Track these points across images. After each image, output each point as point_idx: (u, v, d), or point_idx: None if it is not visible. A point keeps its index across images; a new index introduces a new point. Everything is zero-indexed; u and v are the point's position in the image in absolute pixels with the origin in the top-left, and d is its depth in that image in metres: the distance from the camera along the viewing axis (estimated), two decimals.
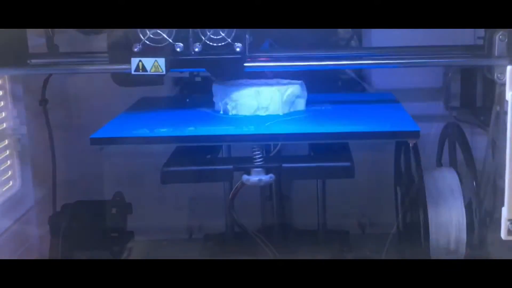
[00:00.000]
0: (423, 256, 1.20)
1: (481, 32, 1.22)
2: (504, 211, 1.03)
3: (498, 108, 1.09)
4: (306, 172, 1.18)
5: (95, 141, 1.10)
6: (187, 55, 1.14)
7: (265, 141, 1.15)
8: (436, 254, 1.19)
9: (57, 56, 1.31)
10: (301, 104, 1.25)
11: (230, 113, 1.22)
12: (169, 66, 1.13)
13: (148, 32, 1.13)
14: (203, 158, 1.20)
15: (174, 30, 1.13)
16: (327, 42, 1.47)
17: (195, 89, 1.53)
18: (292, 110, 1.23)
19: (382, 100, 1.34)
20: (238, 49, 1.14)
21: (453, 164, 1.32)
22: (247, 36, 1.15)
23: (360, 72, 1.53)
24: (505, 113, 1.03)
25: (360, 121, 1.16)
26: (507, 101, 1.02)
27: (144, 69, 1.13)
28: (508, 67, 1.02)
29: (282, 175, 1.16)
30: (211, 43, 1.14)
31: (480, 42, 1.21)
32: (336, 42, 1.50)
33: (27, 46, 1.27)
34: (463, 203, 1.20)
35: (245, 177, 1.14)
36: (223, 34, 1.13)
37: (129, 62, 1.13)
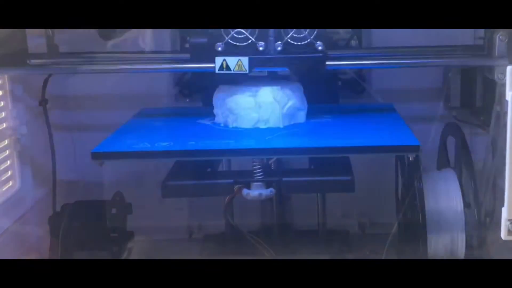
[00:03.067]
0: (423, 256, 1.20)
1: (480, 32, 1.22)
2: (504, 211, 1.03)
3: (498, 108, 1.09)
4: (306, 186, 1.19)
5: (96, 156, 1.10)
6: (269, 54, 1.16)
7: (265, 156, 1.15)
8: (435, 254, 1.19)
9: (57, 56, 1.30)
10: (301, 117, 1.25)
11: (230, 126, 1.22)
12: (252, 64, 1.14)
13: (231, 31, 1.15)
14: (204, 172, 1.20)
15: (256, 29, 1.14)
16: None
17: (194, 89, 1.53)
18: (292, 122, 1.23)
19: (382, 112, 1.33)
20: (320, 48, 1.15)
21: (452, 164, 1.32)
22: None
23: (360, 71, 1.52)
24: (505, 113, 1.03)
25: (359, 134, 1.16)
26: (507, 101, 1.03)
27: (228, 68, 1.14)
28: (508, 67, 1.02)
29: (282, 189, 1.16)
30: (292, 42, 1.16)
31: (481, 42, 1.21)
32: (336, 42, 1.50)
33: (26, 46, 1.27)
34: (462, 203, 1.20)
35: (245, 191, 1.15)
36: (305, 33, 1.15)
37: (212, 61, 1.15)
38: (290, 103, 1.21)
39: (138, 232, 1.46)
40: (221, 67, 1.14)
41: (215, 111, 1.25)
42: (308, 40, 1.15)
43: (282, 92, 1.21)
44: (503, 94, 1.06)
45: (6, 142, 1.34)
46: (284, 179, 1.15)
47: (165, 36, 1.31)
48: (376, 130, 1.20)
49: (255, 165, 1.15)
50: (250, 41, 1.15)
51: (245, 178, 1.16)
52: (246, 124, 1.21)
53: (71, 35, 1.28)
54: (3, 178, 1.32)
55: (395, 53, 1.26)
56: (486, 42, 1.16)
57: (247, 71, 1.14)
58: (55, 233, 1.35)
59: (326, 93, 1.46)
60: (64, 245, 1.33)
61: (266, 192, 1.15)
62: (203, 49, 1.18)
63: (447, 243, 1.20)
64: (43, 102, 1.37)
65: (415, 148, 1.08)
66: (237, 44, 1.16)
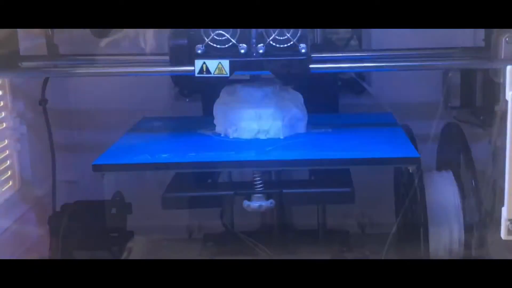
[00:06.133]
0: (423, 256, 1.20)
1: (482, 33, 1.22)
2: (504, 211, 1.03)
3: (497, 108, 1.09)
4: (307, 198, 1.19)
5: (97, 168, 1.09)
6: (251, 57, 1.11)
7: (266, 167, 1.15)
8: (436, 254, 1.19)
9: (50, 59, 1.28)
10: (301, 127, 1.24)
11: (231, 136, 1.21)
12: (233, 68, 1.10)
13: (211, 33, 1.10)
14: (204, 184, 1.20)
15: (238, 30, 1.10)
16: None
17: (194, 89, 1.53)
18: (292, 133, 1.22)
19: (382, 122, 1.33)
20: (303, 50, 1.10)
21: (452, 164, 1.32)
22: (309, 37, 1.11)
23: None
24: (505, 112, 1.03)
25: (359, 146, 1.16)
26: (506, 101, 1.03)
27: (208, 71, 1.10)
28: (508, 67, 1.02)
29: (282, 200, 1.16)
30: (275, 44, 1.11)
31: (483, 44, 1.20)
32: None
33: (18, 48, 1.24)
34: (462, 204, 1.20)
35: (245, 202, 1.15)
36: (288, 35, 1.10)
37: (191, 64, 1.11)
38: (290, 114, 1.21)
39: (138, 232, 1.46)
40: (201, 70, 1.10)
41: (215, 121, 1.25)
42: (291, 42, 1.10)
43: (282, 103, 1.21)
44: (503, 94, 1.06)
45: (6, 142, 1.34)
46: (284, 190, 1.15)
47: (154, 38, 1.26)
48: (376, 141, 1.19)
49: (255, 176, 1.15)
50: (231, 43, 1.11)
51: (245, 190, 1.15)
52: (246, 135, 1.20)
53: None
54: (3, 178, 1.32)
55: (395, 55, 1.25)
56: (492, 44, 1.14)
57: (228, 75, 1.10)
58: (55, 233, 1.35)
59: (326, 97, 1.46)
60: (64, 245, 1.33)
61: (267, 203, 1.14)
62: (182, 52, 1.13)
63: (446, 243, 1.20)
64: (43, 101, 1.37)
65: (415, 160, 1.08)
66: (218, 46, 1.11)
